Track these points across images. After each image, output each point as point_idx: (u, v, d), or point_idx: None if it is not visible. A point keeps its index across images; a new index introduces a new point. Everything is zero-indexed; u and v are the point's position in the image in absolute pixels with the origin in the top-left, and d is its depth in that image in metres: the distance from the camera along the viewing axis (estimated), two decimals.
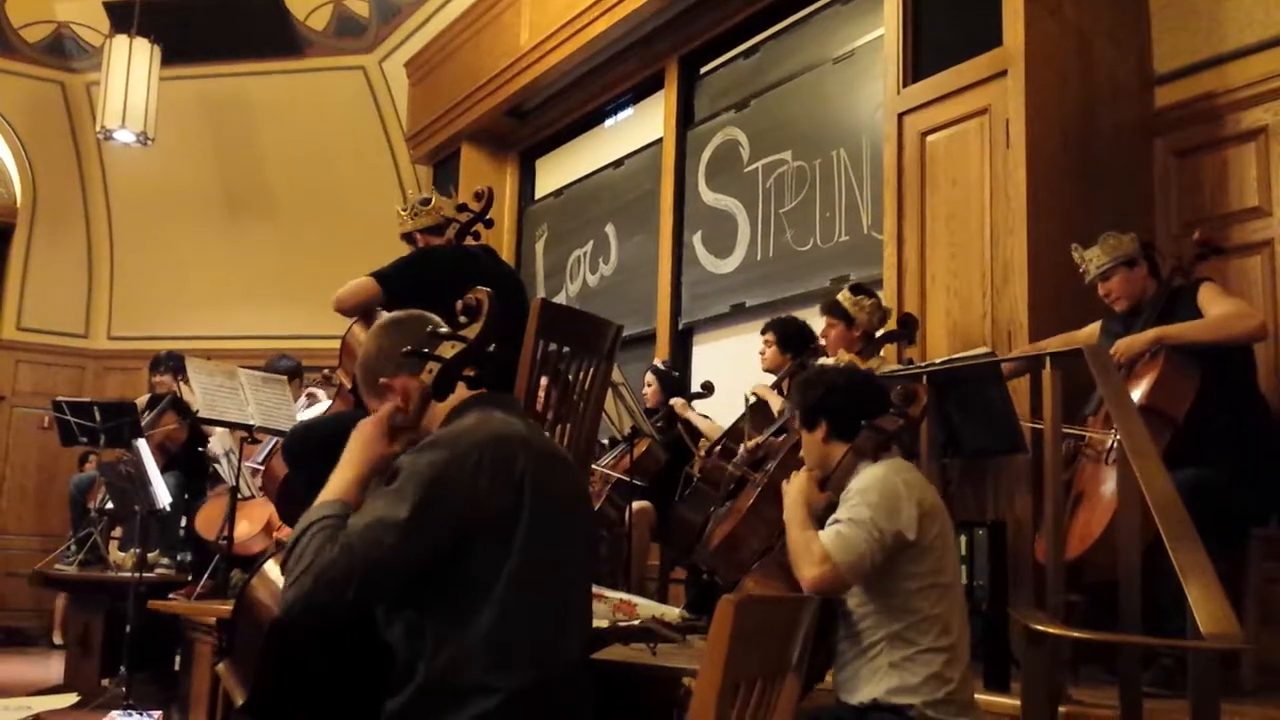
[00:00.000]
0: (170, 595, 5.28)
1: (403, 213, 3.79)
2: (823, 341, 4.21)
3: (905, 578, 2.28)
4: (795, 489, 2.43)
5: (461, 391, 1.89)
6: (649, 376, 5.41)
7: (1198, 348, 3.12)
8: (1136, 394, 3.05)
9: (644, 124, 6.95)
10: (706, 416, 5.20)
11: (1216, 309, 3.20)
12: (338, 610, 1.65)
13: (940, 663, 2.25)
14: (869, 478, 2.35)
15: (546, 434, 2.84)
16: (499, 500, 1.73)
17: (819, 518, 2.39)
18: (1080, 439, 3.23)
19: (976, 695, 2.41)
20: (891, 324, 4.11)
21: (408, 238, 3.80)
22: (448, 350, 1.84)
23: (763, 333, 4.60)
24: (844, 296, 4.09)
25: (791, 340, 4.47)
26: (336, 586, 1.62)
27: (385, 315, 2.06)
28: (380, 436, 1.85)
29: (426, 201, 3.79)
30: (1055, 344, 3.26)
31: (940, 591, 2.30)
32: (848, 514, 2.28)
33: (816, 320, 4.31)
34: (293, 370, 6.08)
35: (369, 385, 1.97)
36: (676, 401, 5.12)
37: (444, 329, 1.89)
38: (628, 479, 4.71)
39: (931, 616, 2.27)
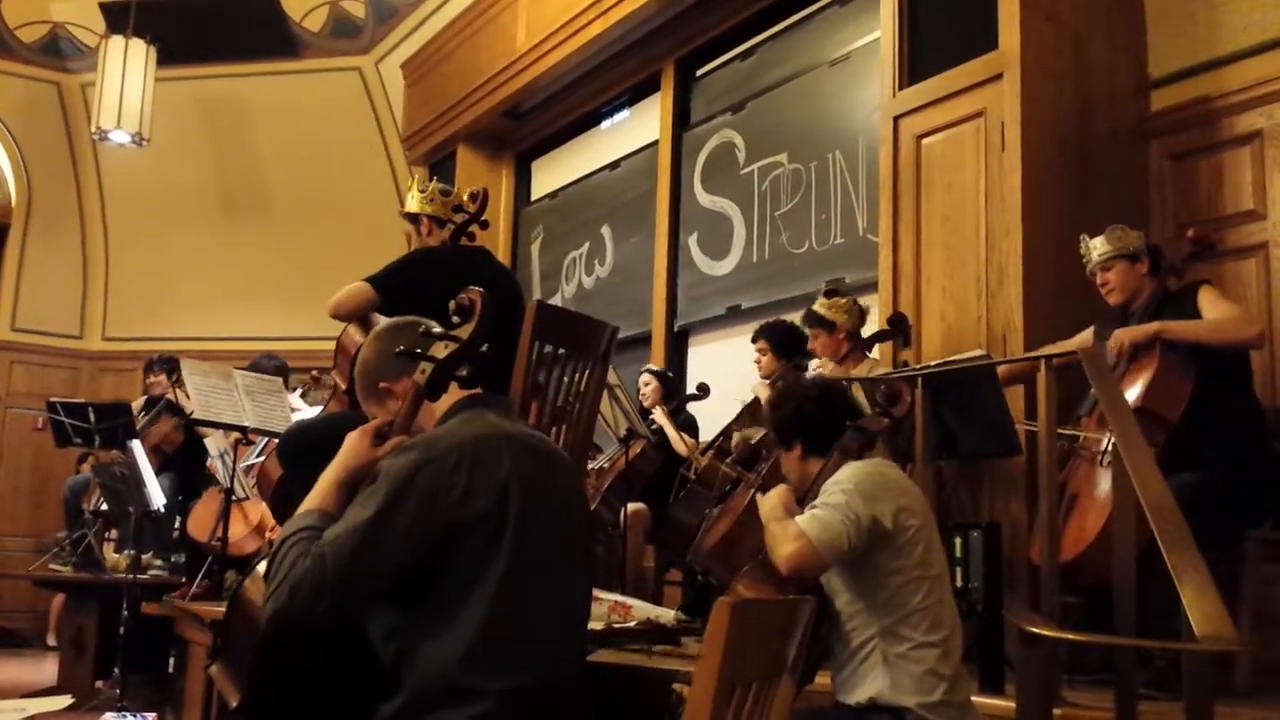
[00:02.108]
0: (164, 597, 5.27)
1: (420, 193, 3.73)
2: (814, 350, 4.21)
3: (891, 572, 2.29)
4: (774, 499, 2.44)
5: (455, 392, 1.89)
6: (646, 376, 5.40)
7: (1194, 349, 3.12)
8: (1131, 395, 3.04)
9: (640, 126, 6.96)
10: (692, 417, 5.19)
11: (1217, 312, 3.19)
12: (315, 620, 1.66)
13: (934, 658, 2.25)
14: (847, 470, 2.39)
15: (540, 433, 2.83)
16: (480, 502, 1.72)
17: None
18: (1074, 440, 3.23)
19: (971, 697, 2.41)
20: (883, 323, 4.12)
21: (411, 218, 3.74)
22: (440, 350, 1.84)
23: (754, 341, 4.58)
24: (820, 304, 4.12)
25: (785, 344, 4.47)
26: (311, 598, 1.64)
27: (382, 322, 2.05)
28: (366, 445, 1.85)
29: (448, 192, 3.76)
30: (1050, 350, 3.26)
31: (930, 584, 2.31)
32: (823, 499, 2.32)
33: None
34: (278, 370, 6.06)
35: (369, 391, 1.98)
36: (658, 411, 5.12)
37: (437, 329, 1.88)
38: (624, 472, 4.71)
39: (922, 609, 2.28)
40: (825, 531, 2.23)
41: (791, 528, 2.27)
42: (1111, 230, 3.43)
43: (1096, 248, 3.45)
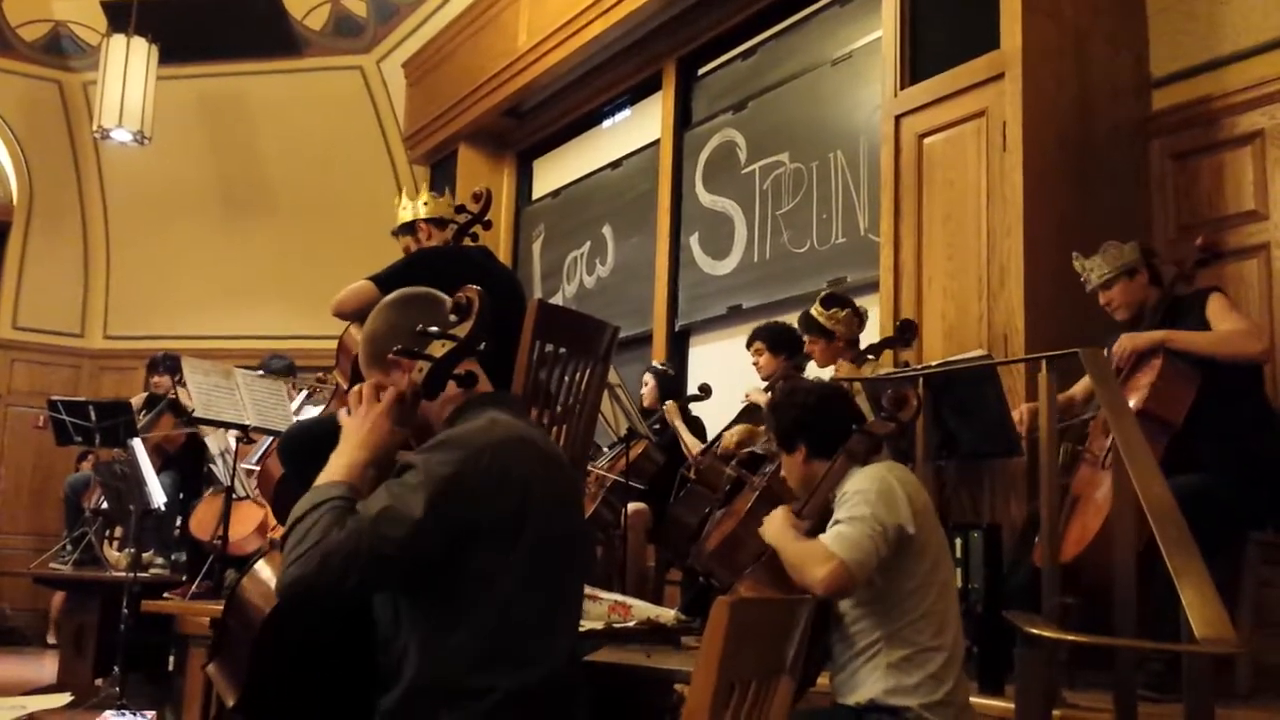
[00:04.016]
0: (165, 595, 5.28)
1: (411, 201, 3.73)
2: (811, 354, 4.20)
3: (903, 576, 2.27)
4: (777, 523, 2.41)
5: (454, 390, 1.88)
6: (646, 377, 5.40)
7: (1200, 358, 3.12)
8: (1134, 399, 3.04)
9: (641, 125, 6.96)
10: (697, 418, 5.19)
11: (1225, 324, 3.19)
12: (336, 594, 1.64)
13: (938, 663, 2.25)
14: (863, 477, 2.35)
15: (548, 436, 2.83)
16: (505, 503, 1.73)
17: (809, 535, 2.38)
18: (1080, 444, 3.22)
19: (971, 698, 2.41)
20: (887, 328, 4.11)
21: (408, 228, 3.73)
22: (438, 349, 1.83)
23: (749, 345, 4.56)
24: (816, 312, 4.07)
25: (782, 343, 4.46)
26: (340, 570, 1.61)
27: (395, 291, 2.02)
28: (388, 421, 1.81)
29: (441, 192, 3.76)
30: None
31: (938, 589, 2.30)
32: (847, 513, 2.27)
33: None
34: (286, 370, 6.07)
35: (376, 359, 1.92)
36: (669, 405, 5.11)
37: (434, 329, 1.88)
38: (624, 480, 4.70)
39: (929, 614, 2.27)
40: (856, 550, 2.20)
41: (818, 549, 2.23)
42: (1105, 249, 3.42)
43: (1094, 269, 3.44)
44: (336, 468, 1.76)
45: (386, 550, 1.63)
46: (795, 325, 4.52)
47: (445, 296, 1.93)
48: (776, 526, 2.39)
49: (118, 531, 6.60)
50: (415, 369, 1.83)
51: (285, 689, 1.83)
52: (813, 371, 4.36)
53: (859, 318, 4.10)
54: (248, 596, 1.90)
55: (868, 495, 2.28)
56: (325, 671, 1.85)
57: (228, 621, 1.98)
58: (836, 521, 2.28)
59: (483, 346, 1.88)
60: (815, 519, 2.42)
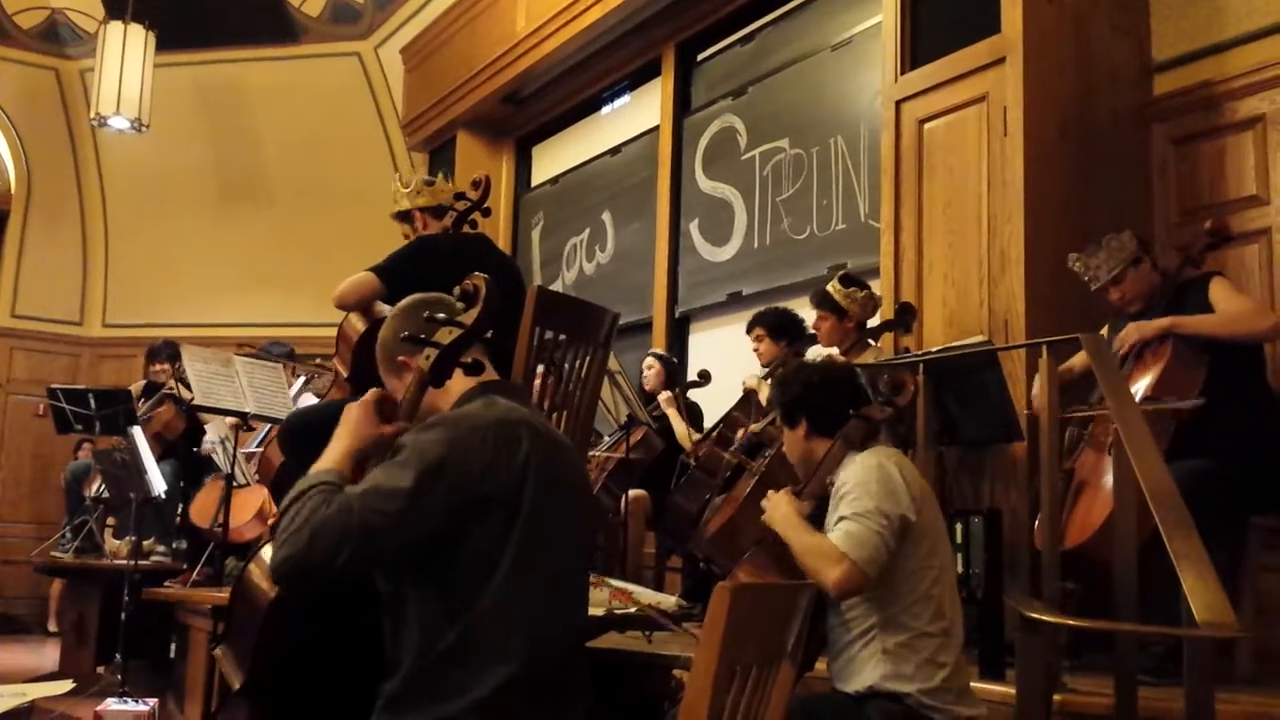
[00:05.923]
0: (166, 583, 5.28)
1: (403, 190, 3.70)
2: (815, 333, 4.20)
3: (901, 559, 2.27)
4: (781, 509, 2.40)
5: (461, 377, 1.89)
6: (651, 361, 5.38)
7: (1208, 341, 3.12)
8: (1143, 384, 3.05)
9: (641, 111, 6.94)
10: (695, 404, 5.19)
11: (1230, 305, 3.18)
12: (329, 572, 1.64)
13: (934, 647, 2.24)
14: (861, 468, 2.33)
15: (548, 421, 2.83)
16: (501, 482, 1.73)
17: (811, 520, 2.38)
18: (1084, 427, 3.22)
19: (971, 684, 2.41)
20: (888, 313, 4.10)
21: (404, 216, 3.72)
22: (445, 336, 1.84)
23: (749, 331, 4.55)
24: (834, 288, 4.07)
25: (782, 329, 4.45)
26: (331, 546, 1.62)
27: (409, 296, 2.05)
28: (369, 417, 1.84)
29: (431, 181, 3.74)
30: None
31: (935, 574, 2.29)
32: (850, 509, 2.26)
33: (808, 310, 4.29)
34: (285, 356, 6.07)
35: (388, 364, 1.99)
36: (664, 395, 5.11)
37: (442, 315, 1.88)
38: (625, 458, 4.71)
39: (926, 598, 2.27)
40: (865, 548, 2.20)
41: (828, 548, 2.22)
42: (1106, 242, 3.40)
43: (1100, 265, 3.41)
44: (324, 459, 1.79)
45: (377, 524, 1.64)
46: (795, 312, 4.52)
47: (451, 298, 1.94)
48: (782, 513, 2.38)
49: (110, 520, 6.59)
50: (422, 356, 1.84)
51: (289, 673, 1.84)
52: (813, 356, 4.35)
53: (874, 301, 4.10)
54: (254, 581, 1.91)
55: (869, 487, 2.27)
56: (329, 657, 1.85)
57: (234, 606, 1.98)
58: (841, 518, 2.27)
59: (489, 334, 1.89)
60: (813, 502, 2.42)
